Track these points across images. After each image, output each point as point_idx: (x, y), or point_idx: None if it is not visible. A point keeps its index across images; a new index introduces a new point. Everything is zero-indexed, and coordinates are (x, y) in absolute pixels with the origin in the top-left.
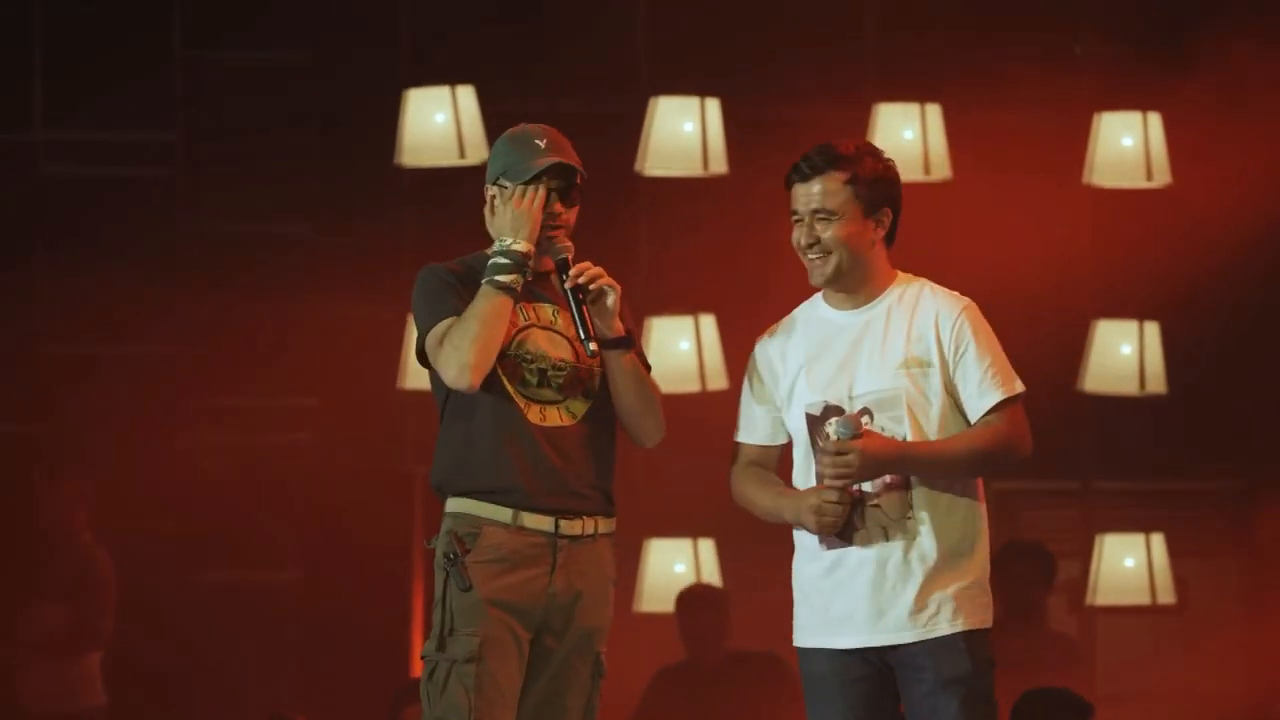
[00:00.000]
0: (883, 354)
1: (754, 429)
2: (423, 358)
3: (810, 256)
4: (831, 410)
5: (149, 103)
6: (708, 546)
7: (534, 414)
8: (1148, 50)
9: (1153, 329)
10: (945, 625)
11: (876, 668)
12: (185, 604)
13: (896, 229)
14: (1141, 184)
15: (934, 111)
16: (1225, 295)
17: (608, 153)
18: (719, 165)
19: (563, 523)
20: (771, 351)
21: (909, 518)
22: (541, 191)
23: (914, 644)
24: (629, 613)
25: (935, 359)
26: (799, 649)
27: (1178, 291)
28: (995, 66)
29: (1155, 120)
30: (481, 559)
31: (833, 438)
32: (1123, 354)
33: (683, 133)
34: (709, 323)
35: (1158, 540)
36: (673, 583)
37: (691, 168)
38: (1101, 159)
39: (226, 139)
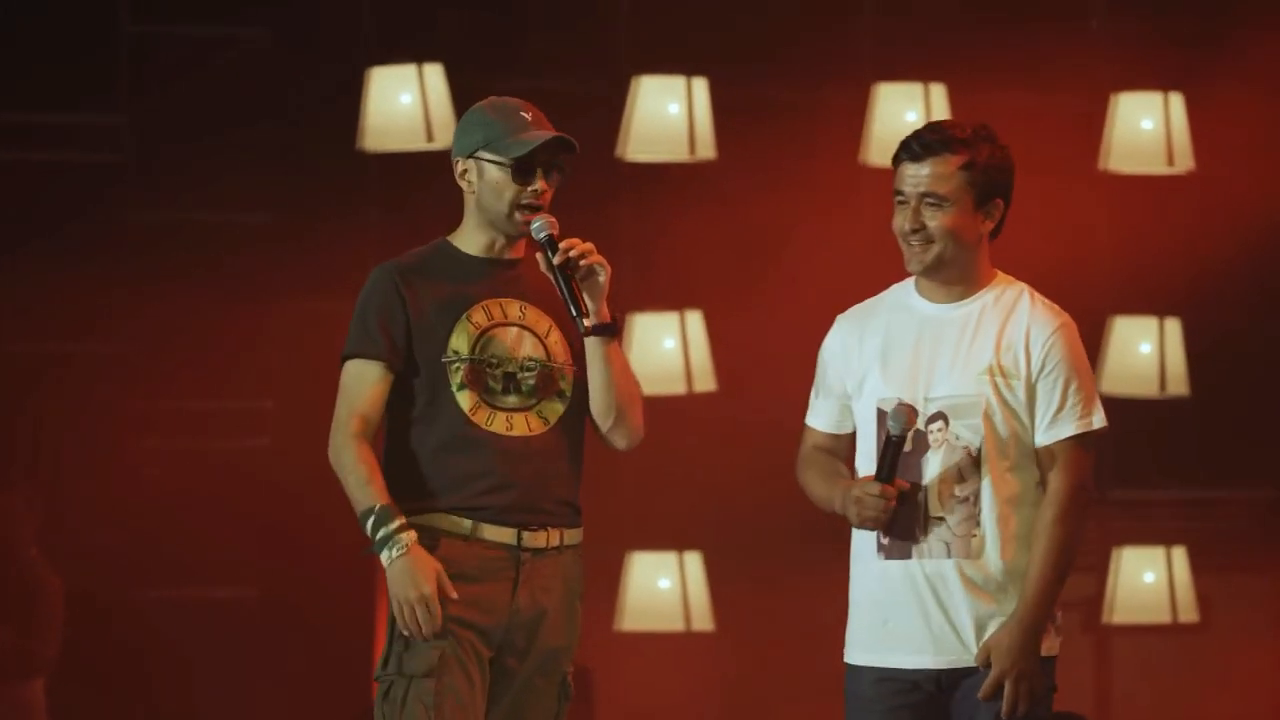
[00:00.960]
0: (968, 357)
1: (820, 415)
2: None
3: (911, 242)
4: (904, 409)
5: (93, 83)
6: (694, 560)
7: (499, 424)
8: (1169, 26)
9: (1174, 326)
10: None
11: (928, 694)
12: (134, 623)
13: (1003, 223)
14: (1162, 170)
15: (938, 92)
16: (1252, 289)
17: (586, 136)
18: (706, 150)
19: (525, 535)
20: (848, 334)
21: (974, 535)
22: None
23: (968, 670)
24: (610, 632)
25: (1021, 372)
26: (848, 665)
27: (1201, 285)
28: (1004, 43)
29: (1177, 101)
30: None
31: (890, 431)
32: (1142, 353)
33: (667, 115)
34: (695, 319)
35: (1179, 554)
36: (657, 599)
37: (677, 152)
38: (1119, 143)
39: (177, 122)
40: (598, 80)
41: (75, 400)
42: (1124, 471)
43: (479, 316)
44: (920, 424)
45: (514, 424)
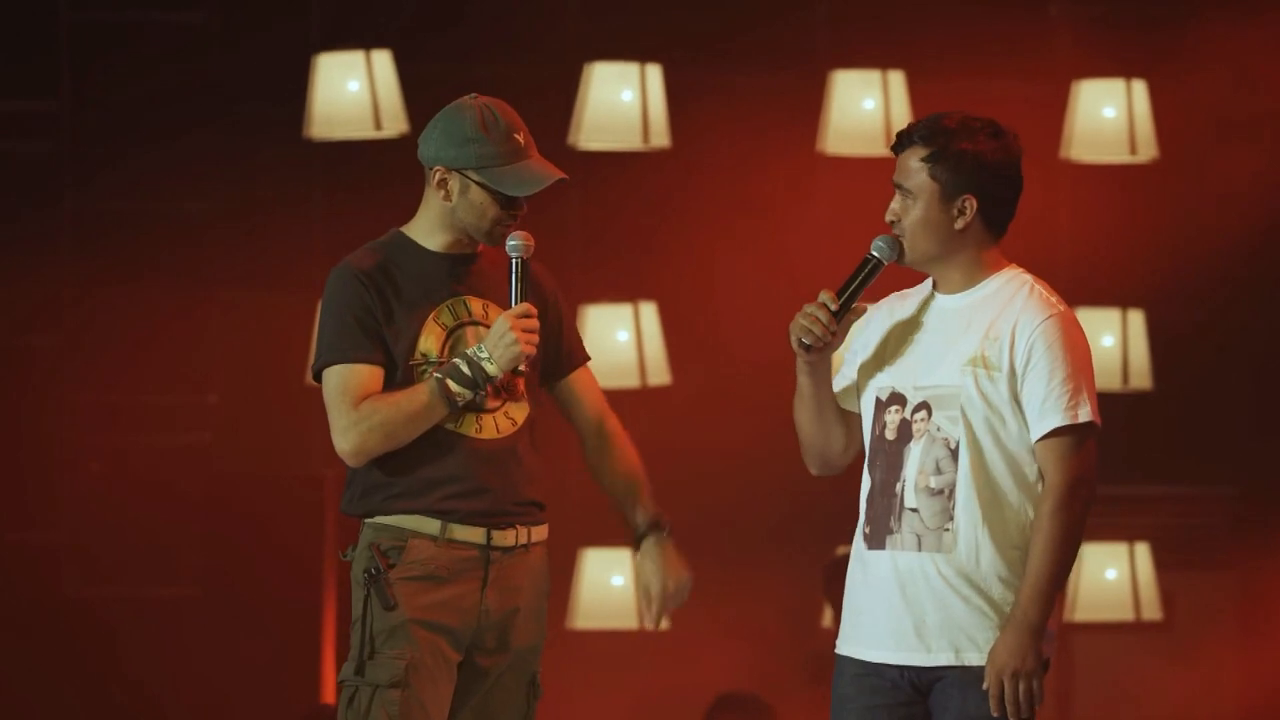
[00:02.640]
0: (956, 347)
1: (838, 381)
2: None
3: (895, 234)
4: (896, 398)
5: (30, 68)
6: None
7: (468, 426)
8: (1130, 10)
9: (1137, 318)
10: (977, 655)
11: (909, 695)
12: (71, 623)
13: (1005, 218)
14: (1124, 158)
15: (896, 79)
16: (1217, 281)
17: (537, 124)
18: (661, 138)
19: (495, 534)
20: (873, 319)
21: (946, 530)
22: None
23: (945, 669)
24: (562, 630)
25: (1005, 365)
26: (836, 655)
27: (1165, 277)
28: (963, 29)
29: (1140, 88)
30: (407, 575)
31: (871, 251)
32: (1104, 346)
33: (620, 102)
34: (650, 311)
35: (1142, 550)
36: (610, 597)
37: (630, 140)
38: (1081, 131)
39: (116, 108)
40: (549, 66)
41: (12, 394)
42: None
43: (445, 317)
44: (907, 413)
45: (484, 426)
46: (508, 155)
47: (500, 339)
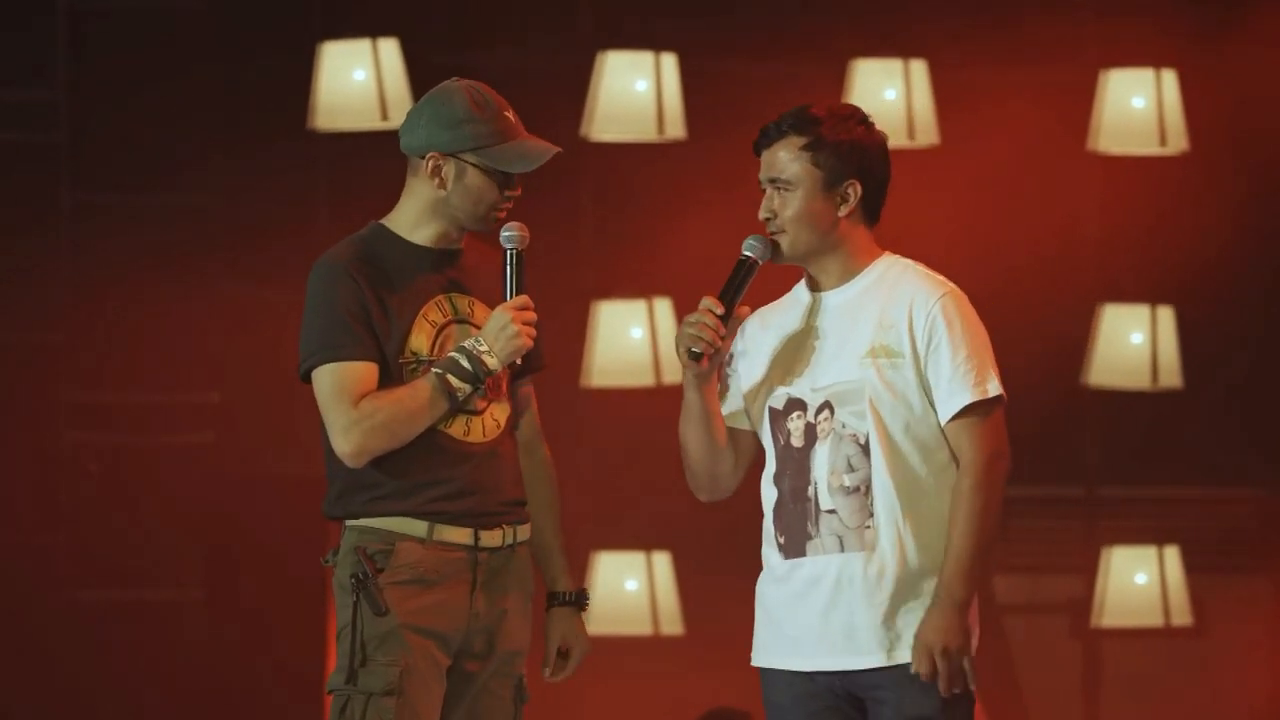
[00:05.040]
0: (849, 342)
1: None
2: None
3: (769, 232)
4: (794, 404)
5: (28, 57)
6: (663, 561)
7: (457, 428)
8: None
9: (1166, 315)
10: (908, 652)
11: (843, 698)
12: (69, 627)
13: (879, 204)
14: (1154, 150)
15: (919, 68)
16: (1249, 276)
17: (549, 115)
18: (676, 129)
19: (483, 534)
20: (748, 334)
21: (867, 527)
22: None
23: (876, 671)
24: None
25: (906, 350)
26: (759, 670)
27: (1195, 272)
28: (987, 17)
29: (1170, 78)
30: (397, 579)
31: (745, 251)
32: (1133, 343)
33: (634, 92)
34: (664, 307)
35: (1172, 554)
36: (624, 602)
37: (645, 131)
38: (1109, 122)
39: (115, 99)
40: (561, 55)
41: (8, 391)
42: (1114, 467)
43: (434, 314)
44: (810, 416)
45: (471, 428)
46: (503, 133)
47: (501, 331)
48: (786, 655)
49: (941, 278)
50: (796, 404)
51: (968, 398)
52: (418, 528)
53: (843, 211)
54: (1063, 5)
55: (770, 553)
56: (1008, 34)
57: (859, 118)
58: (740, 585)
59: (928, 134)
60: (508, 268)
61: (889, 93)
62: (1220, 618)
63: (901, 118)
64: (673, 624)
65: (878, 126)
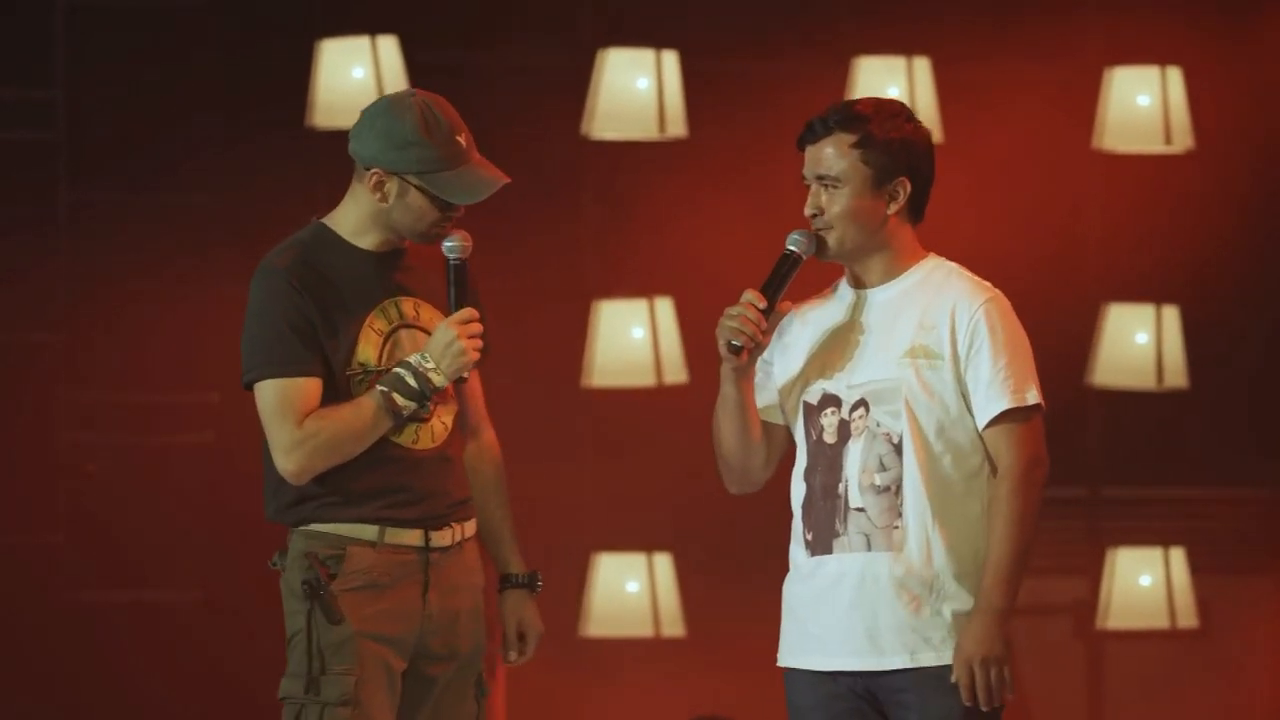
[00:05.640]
0: (889, 340)
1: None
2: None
3: (815, 229)
4: (829, 400)
5: (26, 55)
6: (664, 562)
7: (406, 436)
8: None
9: (1172, 314)
10: (933, 655)
11: (864, 699)
12: (68, 628)
13: (925, 202)
14: (1159, 148)
15: (922, 65)
16: (1255, 275)
17: (549, 113)
18: (677, 127)
19: (433, 534)
20: (787, 328)
21: (895, 527)
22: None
23: (898, 673)
24: (574, 637)
25: (946, 352)
26: (783, 671)
27: (1201, 271)
28: (991, 14)
29: (1175, 76)
30: (350, 585)
31: (789, 246)
32: (1138, 343)
33: (636, 90)
34: (665, 307)
35: (1177, 555)
36: (625, 603)
37: (646, 130)
38: (1114, 120)
39: (114, 97)
40: (561, 53)
41: (6, 392)
42: (1119, 468)
43: (380, 322)
44: (844, 413)
45: (420, 436)
46: (450, 159)
47: (447, 348)
48: (809, 654)
49: (986, 283)
50: (831, 400)
51: (1006, 404)
52: (368, 531)
53: (891, 209)
54: (1067, 2)
55: (797, 549)
56: (1012, 31)
57: (906, 115)
58: (742, 587)
59: (931, 132)
60: (451, 279)
61: (892, 90)
62: (1226, 619)
63: None
64: (674, 626)
65: (919, 123)
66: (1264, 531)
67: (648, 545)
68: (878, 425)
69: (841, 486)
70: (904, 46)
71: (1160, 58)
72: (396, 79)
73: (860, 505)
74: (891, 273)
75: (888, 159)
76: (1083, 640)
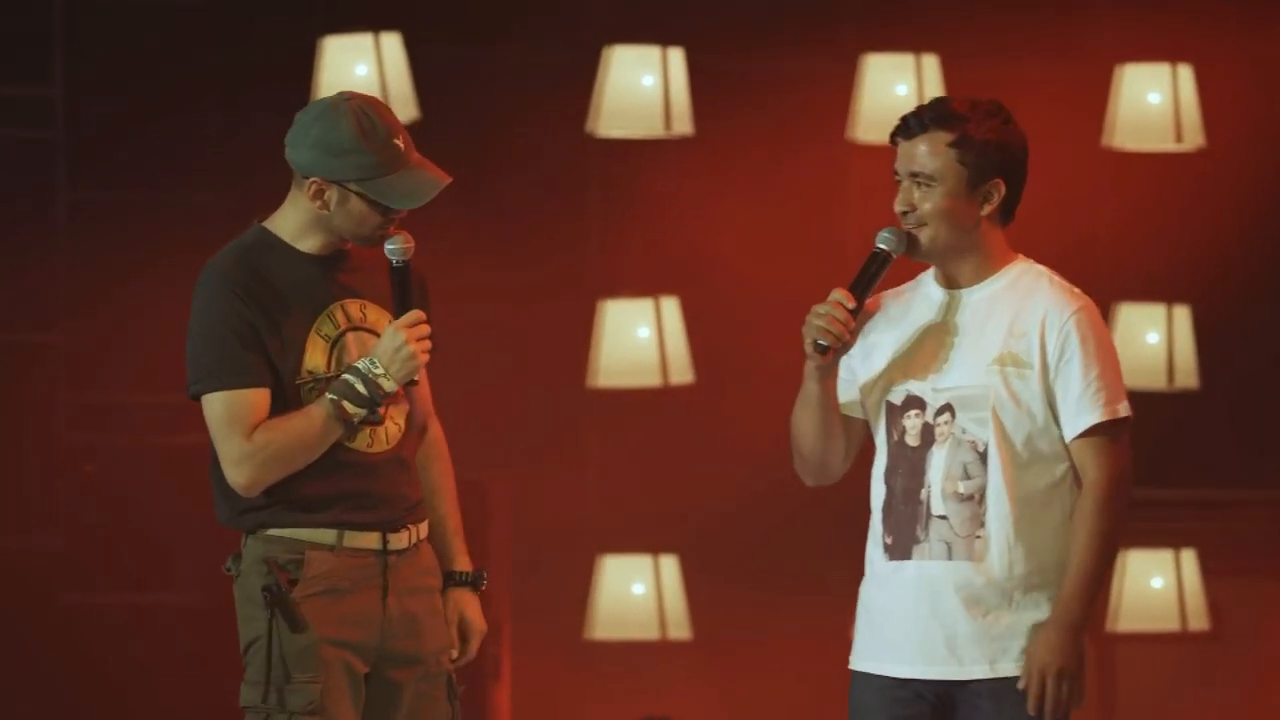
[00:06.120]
0: (977, 345)
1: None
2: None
3: (906, 226)
4: (913, 402)
5: (24, 52)
6: (670, 564)
7: (360, 440)
8: None
9: (1182, 314)
10: (1013, 665)
11: (931, 705)
12: (67, 630)
13: (1017, 203)
14: (1170, 146)
15: (930, 63)
16: (1266, 275)
17: (554, 110)
18: (683, 125)
19: (390, 537)
20: (873, 324)
21: (977, 536)
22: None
23: (976, 682)
24: (579, 641)
25: (1035, 361)
26: (851, 672)
27: (1212, 271)
28: (1000, 11)
29: (1186, 73)
30: (310, 592)
31: (878, 244)
32: (1148, 343)
33: (641, 87)
34: (671, 306)
35: (1189, 557)
36: (631, 606)
37: (652, 127)
38: (1123, 118)
39: (114, 94)
40: (567, 50)
41: (6, 391)
42: None
43: (326, 327)
44: (929, 416)
45: (375, 439)
46: (388, 164)
47: (396, 353)
48: (884, 660)
49: (1077, 290)
50: (915, 402)
51: (1097, 417)
52: (327, 536)
53: (985, 210)
54: (1078, 0)
55: (875, 551)
56: (1021, 28)
57: (1004, 115)
58: (748, 589)
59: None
60: (395, 283)
61: (900, 88)
62: (1238, 622)
63: None
64: (680, 628)
65: (1015, 124)
66: (1275, 533)
67: (653, 547)
68: (963, 432)
69: (924, 493)
70: (912, 44)
71: (1171, 55)
72: (400, 76)
73: (942, 513)
74: (981, 274)
75: (984, 160)
76: (1094, 642)
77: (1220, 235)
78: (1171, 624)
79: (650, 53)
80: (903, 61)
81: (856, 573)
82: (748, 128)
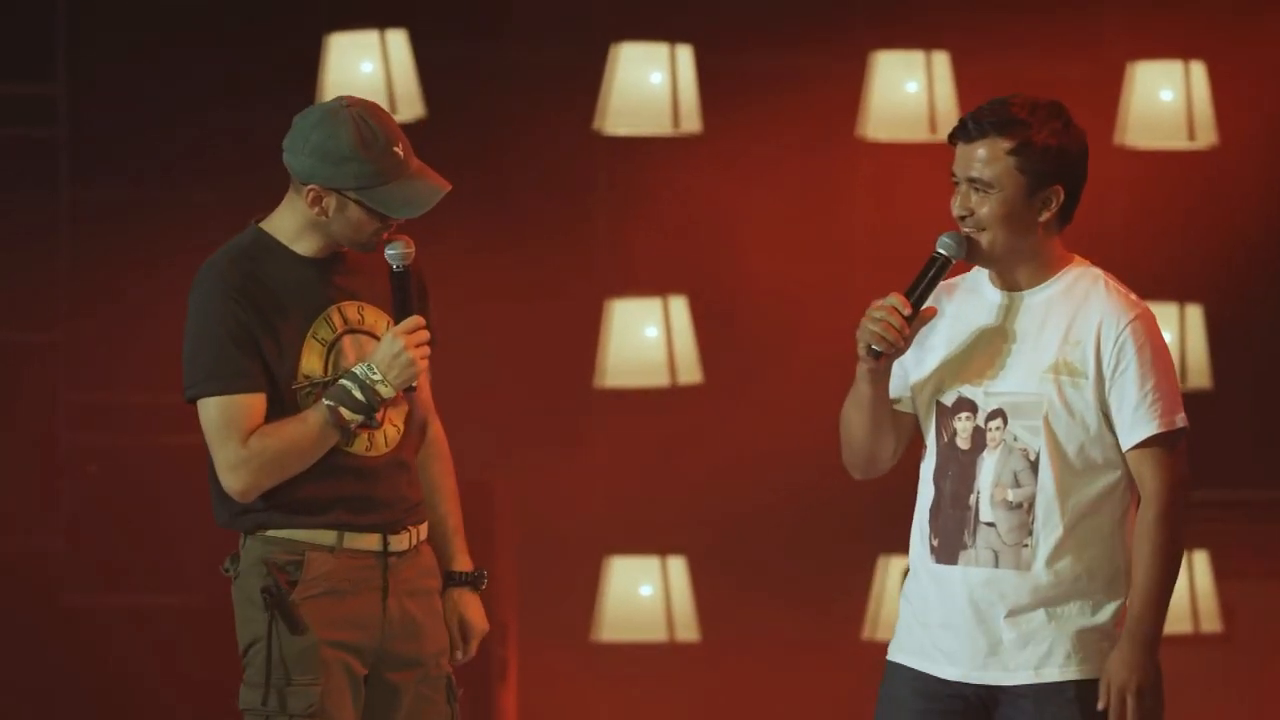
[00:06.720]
0: (1032, 352)
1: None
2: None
3: (965, 230)
4: (964, 404)
5: (26, 50)
6: (678, 565)
7: (359, 444)
8: None
9: (1195, 313)
10: (1056, 670)
11: (970, 704)
12: (68, 631)
13: (1075, 207)
14: (1183, 144)
15: (941, 61)
16: (1279, 274)
17: (562, 108)
18: (692, 123)
19: (391, 539)
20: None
21: (1025, 545)
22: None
23: (1019, 687)
24: (586, 642)
25: (1090, 370)
26: (887, 662)
27: (1224, 270)
28: (1012, 8)
29: (1199, 70)
30: (310, 593)
31: (938, 249)
32: None
33: (649, 85)
34: (680, 305)
35: (1201, 559)
36: (639, 607)
37: (660, 125)
38: (1136, 115)
39: (117, 93)
40: (573, 47)
41: (7, 391)
42: None
43: (323, 331)
44: (980, 421)
45: (374, 442)
46: (388, 173)
47: (395, 359)
48: (924, 658)
49: (1134, 296)
50: (966, 404)
51: (1155, 428)
52: (327, 537)
53: (1043, 217)
54: None
55: (920, 550)
56: (1032, 25)
57: (1064, 119)
58: (756, 590)
59: (950, 128)
60: (395, 288)
61: (910, 85)
62: (1251, 624)
63: (923, 111)
64: (688, 630)
65: (1076, 128)
66: None
67: (661, 548)
68: (1015, 439)
69: (972, 498)
70: (923, 41)
71: (1183, 52)
72: (406, 74)
73: (990, 520)
74: (1038, 277)
75: (1043, 166)
76: None
77: (1233, 234)
78: (1184, 626)
79: (658, 50)
80: (913, 59)
81: (865, 574)
82: (757, 125)
